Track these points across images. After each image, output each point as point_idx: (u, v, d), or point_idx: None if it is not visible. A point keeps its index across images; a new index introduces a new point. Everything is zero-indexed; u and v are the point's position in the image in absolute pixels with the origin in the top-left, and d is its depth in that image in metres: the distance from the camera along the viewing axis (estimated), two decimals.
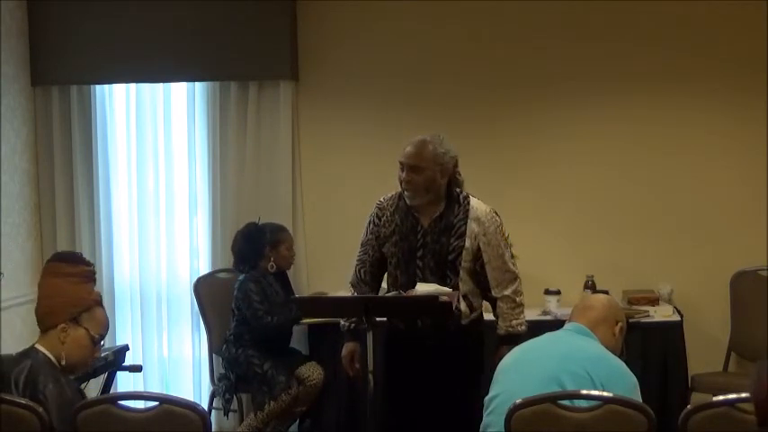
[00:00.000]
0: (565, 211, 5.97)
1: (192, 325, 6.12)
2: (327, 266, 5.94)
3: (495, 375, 3.54)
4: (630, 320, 4.57)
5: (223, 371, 5.48)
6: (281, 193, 6.01)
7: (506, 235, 4.33)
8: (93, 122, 6.12)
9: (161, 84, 6.13)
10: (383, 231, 4.24)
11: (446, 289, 4.00)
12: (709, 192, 5.86)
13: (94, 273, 3.62)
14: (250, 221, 5.56)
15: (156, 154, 6.18)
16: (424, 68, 6.01)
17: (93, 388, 4.97)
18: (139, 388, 5.84)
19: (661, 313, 5.45)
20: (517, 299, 4.20)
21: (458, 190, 4.19)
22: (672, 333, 5.34)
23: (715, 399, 3.18)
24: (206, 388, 5.95)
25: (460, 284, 4.12)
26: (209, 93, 6.08)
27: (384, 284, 4.42)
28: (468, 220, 4.13)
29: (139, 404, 3.40)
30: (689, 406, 3.20)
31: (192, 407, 3.27)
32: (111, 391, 5.01)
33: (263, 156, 6.04)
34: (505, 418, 3.20)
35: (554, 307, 5.44)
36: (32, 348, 3.44)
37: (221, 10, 5.95)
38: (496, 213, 4.20)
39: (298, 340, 5.68)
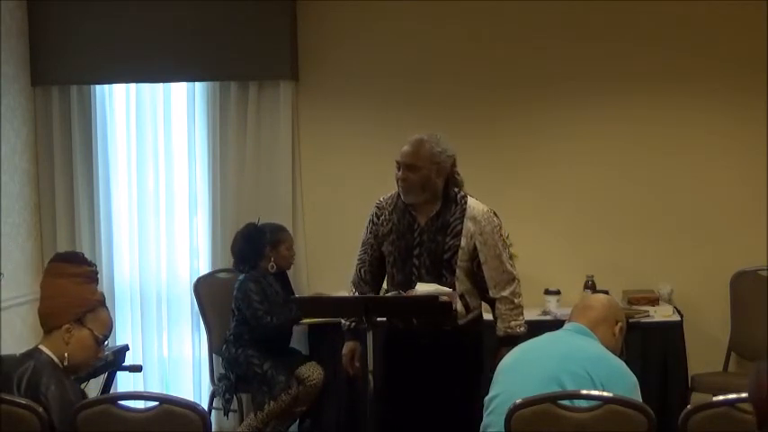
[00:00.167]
0: (565, 211, 5.96)
1: (192, 325, 6.12)
2: (327, 266, 5.94)
3: (494, 375, 3.54)
4: (630, 320, 4.58)
5: (223, 371, 5.48)
6: (281, 193, 6.01)
7: (506, 236, 4.32)
8: (93, 122, 6.12)
9: (161, 84, 6.13)
10: (381, 230, 4.24)
11: (446, 289, 4.00)
12: (709, 192, 5.86)
13: (97, 273, 3.61)
14: (250, 222, 5.56)
15: (156, 154, 6.18)
16: (424, 68, 6.01)
17: (93, 388, 4.98)
18: (139, 388, 5.84)
19: (661, 313, 5.45)
20: (515, 300, 4.18)
21: (455, 189, 4.19)
22: (672, 333, 5.34)
23: (715, 399, 3.18)
24: (206, 388, 5.95)
25: (457, 284, 4.11)
26: (209, 93, 6.08)
27: (385, 285, 4.42)
28: (465, 220, 4.12)
29: (139, 404, 3.40)
30: (689, 406, 3.20)
31: (191, 407, 3.27)
32: (111, 391, 5.02)
33: (263, 156, 6.04)
34: (505, 419, 3.20)
35: (554, 307, 5.44)
36: (36, 349, 3.43)
37: (221, 10, 5.95)
38: (495, 214, 4.19)
39: (298, 340, 5.68)
